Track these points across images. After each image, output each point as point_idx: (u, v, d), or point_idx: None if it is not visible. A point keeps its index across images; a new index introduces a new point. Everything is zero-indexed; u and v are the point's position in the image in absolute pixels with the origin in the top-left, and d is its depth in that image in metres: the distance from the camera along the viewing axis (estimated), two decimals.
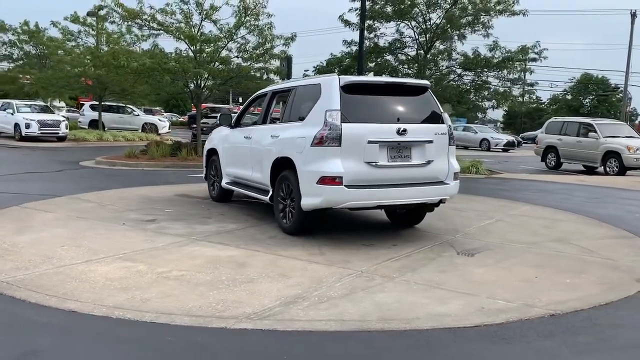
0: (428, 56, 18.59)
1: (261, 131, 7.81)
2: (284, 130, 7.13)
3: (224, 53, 16.94)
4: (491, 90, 18.80)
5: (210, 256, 5.84)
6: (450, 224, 8.05)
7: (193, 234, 6.83)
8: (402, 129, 6.45)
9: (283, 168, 6.94)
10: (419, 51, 18.91)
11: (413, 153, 6.61)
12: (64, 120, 24.50)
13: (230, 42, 16.47)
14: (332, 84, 6.54)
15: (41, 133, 23.43)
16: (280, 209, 7.05)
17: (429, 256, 6.13)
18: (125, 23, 16.82)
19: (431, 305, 4.55)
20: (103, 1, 16.00)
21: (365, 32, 17.89)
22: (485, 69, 18.12)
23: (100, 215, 7.85)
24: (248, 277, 5.15)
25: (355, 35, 18.19)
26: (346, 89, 6.48)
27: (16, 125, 23.64)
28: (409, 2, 17.43)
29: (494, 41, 17.35)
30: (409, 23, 18.41)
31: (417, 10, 18.11)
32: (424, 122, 6.80)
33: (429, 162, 6.69)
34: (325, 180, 6.21)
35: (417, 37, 18.79)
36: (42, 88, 26.57)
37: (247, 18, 15.88)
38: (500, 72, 18.17)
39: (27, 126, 23.25)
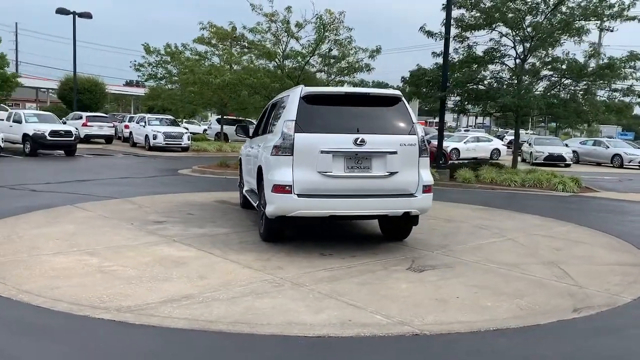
0: (525, 66, 17.54)
1: (257, 141, 8.18)
2: (263, 141, 7.43)
3: (312, 68, 17.55)
4: (602, 99, 17.14)
5: (163, 256, 6.30)
6: (447, 239, 7.71)
7: (178, 236, 7.37)
8: (360, 139, 6.40)
9: (261, 177, 7.23)
10: (516, 60, 17.90)
11: (374, 164, 6.52)
12: (186, 133, 26.93)
13: (311, 57, 17.01)
14: (294, 95, 6.72)
15: (166, 144, 26.01)
16: (260, 216, 7.34)
17: (372, 269, 6.01)
18: (222, 44, 18.12)
19: (302, 314, 4.55)
20: (201, 24, 17.46)
21: (453, 41, 17.43)
22: (597, 78, 16.59)
23: (124, 216, 8.73)
24: (169, 276, 5.53)
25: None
26: (307, 99, 6.61)
27: (146, 137, 26.53)
28: (507, 8, 16.62)
29: (593, 47, 15.86)
30: (507, 30, 17.51)
31: (516, 16, 17.19)
32: (389, 132, 6.66)
33: (392, 174, 6.54)
34: (277, 188, 6.39)
35: (515, 45, 17.82)
36: (171, 103, 29.40)
37: (326, 34, 16.32)
38: (607, 82, 16.53)
39: (154, 137, 25.97)
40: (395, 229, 7.45)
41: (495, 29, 17.55)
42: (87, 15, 31.76)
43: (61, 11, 30.77)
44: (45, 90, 57.69)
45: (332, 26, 16.24)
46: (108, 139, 29.34)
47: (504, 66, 18.18)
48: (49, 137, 21.18)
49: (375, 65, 17.77)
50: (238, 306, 4.69)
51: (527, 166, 21.79)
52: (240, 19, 23.33)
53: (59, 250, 6.39)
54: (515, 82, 17.54)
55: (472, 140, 30.59)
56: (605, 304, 5.10)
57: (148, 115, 27.72)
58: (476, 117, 72.02)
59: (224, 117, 30.06)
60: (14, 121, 22.26)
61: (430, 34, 16.95)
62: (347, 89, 7.59)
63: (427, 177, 6.75)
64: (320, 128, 6.49)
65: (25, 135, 21.39)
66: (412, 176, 6.65)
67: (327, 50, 16.96)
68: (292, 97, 6.73)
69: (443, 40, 16.89)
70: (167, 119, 28.49)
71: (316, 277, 5.63)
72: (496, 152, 30.34)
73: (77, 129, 27.84)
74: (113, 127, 29.93)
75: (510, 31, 17.55)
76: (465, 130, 46.55)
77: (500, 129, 67.31)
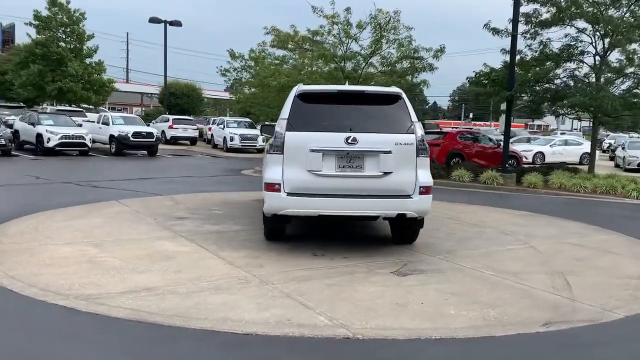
0: (607, 63, 16.29)
1: None
2: None
3: (370, 69, 17.42)
4: None
5: (158, 250, 6.51)
6: (459, 244, 7.36)
7: (188, 232, 7.58)
8: (351, 138, 6.27)
9: None
10: (595, 57, 16.66)
11: (366, 163, 6.34)
12: (261, 135, 27.62)
13: (371, 58, 16.87)
14: (292, 93, 6.70)
15: (242, 145, 26.85)
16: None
17: (354, 271, 5.86)
18: (286, 47, 18.42)
19: (247, 311, 4.53)
20: (265, 28, 17.86)
21: (522, 38, 16.57)
22: None
23: (154, 211, 9.11)
24: (148, 268, 5.71)
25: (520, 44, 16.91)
26: (302, 98, 6.57)
27: (224, 139, 27.53)
28: (586, 2, 15.57)
29: None
30: (585, 25, 16.36)
31: (595, 10, 16.03)
32: (384, 131, 6.45)
33: (386, 174, 6.34)
34: (268, 186, 6.41)
35: (594, 41, 16.60)
36: (251, 107, 30.27)
37: (384, 34, 16.11)
38: None
39: (231, 139, 26.89)
40: (401, 232, 7.19)
41: (572, 25, 16.48)
42: (177, 24, 33.48)
43: (153, 20, 32.66)
44: (150, 95, 61.71)
45: (388, 26, 15.99)
46: (192, 141, 30.74)
47: (581, 64, 17.02)
48: (132, 138, 22.53)
49: (439, 65, 17.25)
50: (190, 300, 4.75)
51: (620, 172, 20.07)
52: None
53: (70, 241, 6.80)
54: (593, 80, 16.36)
55: (559, 143, 28.84)
56: (589, 319, 4.64)
57: (227, 119, 28.76)
58: (580, 120, 67.96)
59: None
60: (102, 123, 23.92)
61: (495, 31, 16.20)
62: (341, 87, 7.45)
63: (425, 178, 6.47)
64: (312, 126, 6.43)
65: (111, 136, 22.92)
66: (409, 177, 6.40)
67: (387, 50, 16.71)
68: (290, 96, 6.72)
69: (510, 38, 16.06)
70: (245, 121, 29.37)
71: (290, 276, 5.58)
72: (586, 156, 28.31)
73: (163, 131, 29.58)
74: (197, 129, 31.32)
75: (589, 26, 16.41)
76: (561, 134, 43.91)
77: (610, 133, 62.72)
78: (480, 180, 15.75)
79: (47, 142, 20.75)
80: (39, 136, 21.00)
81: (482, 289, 5.37)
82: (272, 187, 6.35)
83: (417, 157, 6.42)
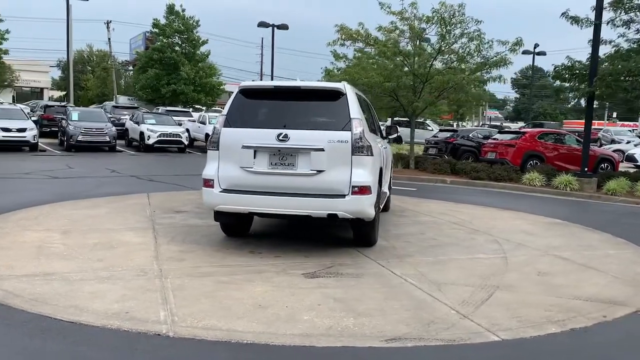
0: None
1: None
2: None
3: (438, 65, 16.70)
4: None
5: (113, 240, 6.79)
6: (421, 251, 6.86)
7: (163, 224, 7.81)
8: (283, 135, 6.11)
9: None
10: None
11: (299, 161, 6.14)
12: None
13: (438, 54, 16.15)
14: (235, 90, 6.68)
15: None
16: None
17: (267, 270, 5.71)
18: (354, 45, 18.21)
19: (104, 302, 4.59)
20: (337, 26, 17.82)
21: (610, 27, 14.82)
22: None
23: (163, 205, 9.52)
24: (78, 256, 6.01)
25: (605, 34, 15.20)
26: (244, 94, 6.54)
27: None
28: None
29: None
30: None
31: None
32: (318, 128, 6.19)
33: (319, 172, 6.09)
34: (204, 182, 6.46)
35: None
36: None
37: (449, 28, 15.33)
38: None
39: None
40: (356, 234, 6.85)
41: None
42: (284, 27, 34.58)
43: (262, 24, 34.05)
44: None
45: (453, 19, 15.18)
46: None
47: None
48: None
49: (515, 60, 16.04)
50: (69, 287, 4.96)
51: None
52: None
53: (48, 228, 7.35)
54: None
55: None
56: (451, 339, 4.11)
57: None
58: None
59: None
60: (200, 122, 25.47)
61: (575, 20, 14.65)
62: (278, 82, 7.17)
63: (360, 177, 6.10)
64: (247, 123, 6.37)
65: (206, 135, 24.32)
66: (343, 176, 6.09)
67: (456, 45, 15.88)
68: (233, 93, 6.71)
69: (592, 27, 14.46)
70: None
71: (194, 271, 5.58)
72: None
73: None
74: None
75: None
76: None
77: None
78: (553, 185, 14.40)
79: (148, 140, 22.57)
80: (142, 134, 22.91)
81: (376, 298, 4.97)
82: (207, 183, 6.40)
83: (352, 155, 6.08)
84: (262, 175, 6.22)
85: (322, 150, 6.07)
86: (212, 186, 6.36)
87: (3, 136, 19.28)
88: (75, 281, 5.14)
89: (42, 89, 56.19)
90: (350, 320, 4.38)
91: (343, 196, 6.09)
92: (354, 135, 6.10)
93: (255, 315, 4.43)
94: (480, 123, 62.97)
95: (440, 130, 26.73)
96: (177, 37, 32.50)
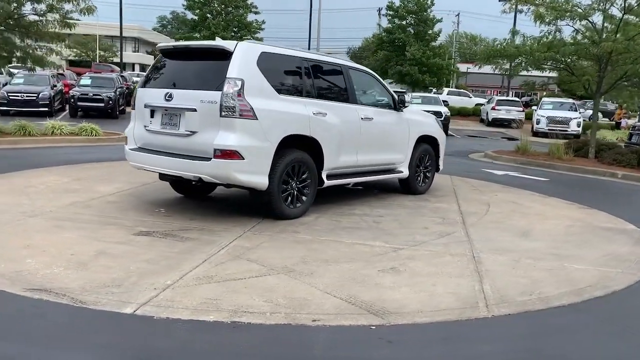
0: None
1: None
2: None
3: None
4: None
5: (87, 195, 7.61)
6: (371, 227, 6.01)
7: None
8: (168, 94, 6.12)
9: None
10: None
11: (181, 121, 6.06)
12: (576, 118, 23.82)
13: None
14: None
15: (549, 129, 23.80)
16: None
17: (157, 232, 5.68)
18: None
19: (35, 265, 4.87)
20: None
21: None
22: None
23: None
24: (29, 208, 7.05)
25: None
26: (163, 54, 6.70)
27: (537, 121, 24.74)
28: None
29: None
30: None
31: None
32: (194, 88, 5.96)
33: (193, 133, 5.92)
34: (125, 140, 6.84)
35: None
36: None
37: None
38: None
39: (537, 122, 24.20)
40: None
41: None
42: None
43: None
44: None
45: None
46: (519, 123, 28.58)
47: None
48: None
49: None
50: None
51: None
52: None
53: (29, 193, 7.78)
54: None
55: None
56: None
57: (545, 99, 25.76)
58: None
59: None
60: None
61: None
62: (178, 43, 6.49)
63: (225, 140, 5.71)
64: (152, 83, 6.52)
65: None
66: (211, 138, 5.79)
67: None
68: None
69: None
70: (566, 102, 25.70)
71: (71, 218, 5.98)
72: None
73: (487, 112, 28.93)
74: (523, 111, 29.14)
75: None
76: None
77: None
78: None
79: None
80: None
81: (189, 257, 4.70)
82: (125, 140, 6.77)
83: (220, 117, 5.71)
84: (155, 135, 6.36)
85: (195, 110, 5.90)
86: (126, 143, 6.72)
87: None
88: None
89: None
90: (102, 277, 4.31)
91: (209, 159, 5.79)
92: (224, 95, 5.71)
93: (78, 269, 4.68)
94: None
95: None
96: (410, 18, 32.39)
